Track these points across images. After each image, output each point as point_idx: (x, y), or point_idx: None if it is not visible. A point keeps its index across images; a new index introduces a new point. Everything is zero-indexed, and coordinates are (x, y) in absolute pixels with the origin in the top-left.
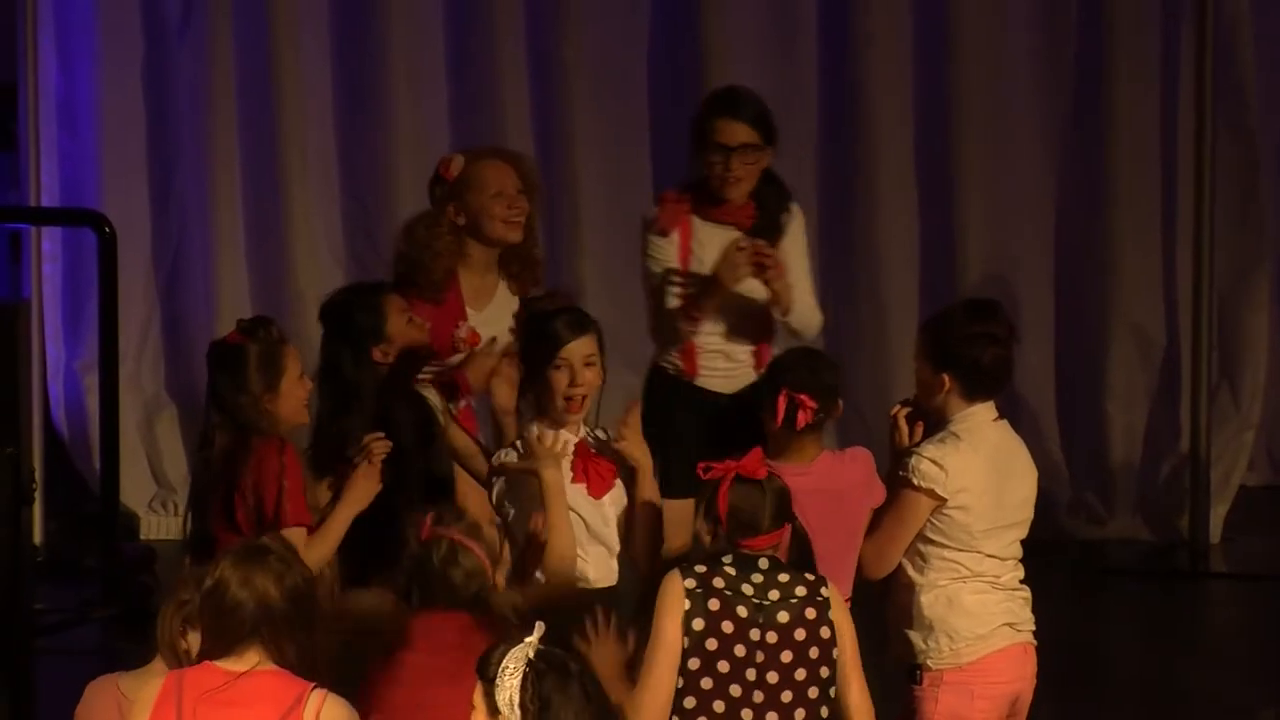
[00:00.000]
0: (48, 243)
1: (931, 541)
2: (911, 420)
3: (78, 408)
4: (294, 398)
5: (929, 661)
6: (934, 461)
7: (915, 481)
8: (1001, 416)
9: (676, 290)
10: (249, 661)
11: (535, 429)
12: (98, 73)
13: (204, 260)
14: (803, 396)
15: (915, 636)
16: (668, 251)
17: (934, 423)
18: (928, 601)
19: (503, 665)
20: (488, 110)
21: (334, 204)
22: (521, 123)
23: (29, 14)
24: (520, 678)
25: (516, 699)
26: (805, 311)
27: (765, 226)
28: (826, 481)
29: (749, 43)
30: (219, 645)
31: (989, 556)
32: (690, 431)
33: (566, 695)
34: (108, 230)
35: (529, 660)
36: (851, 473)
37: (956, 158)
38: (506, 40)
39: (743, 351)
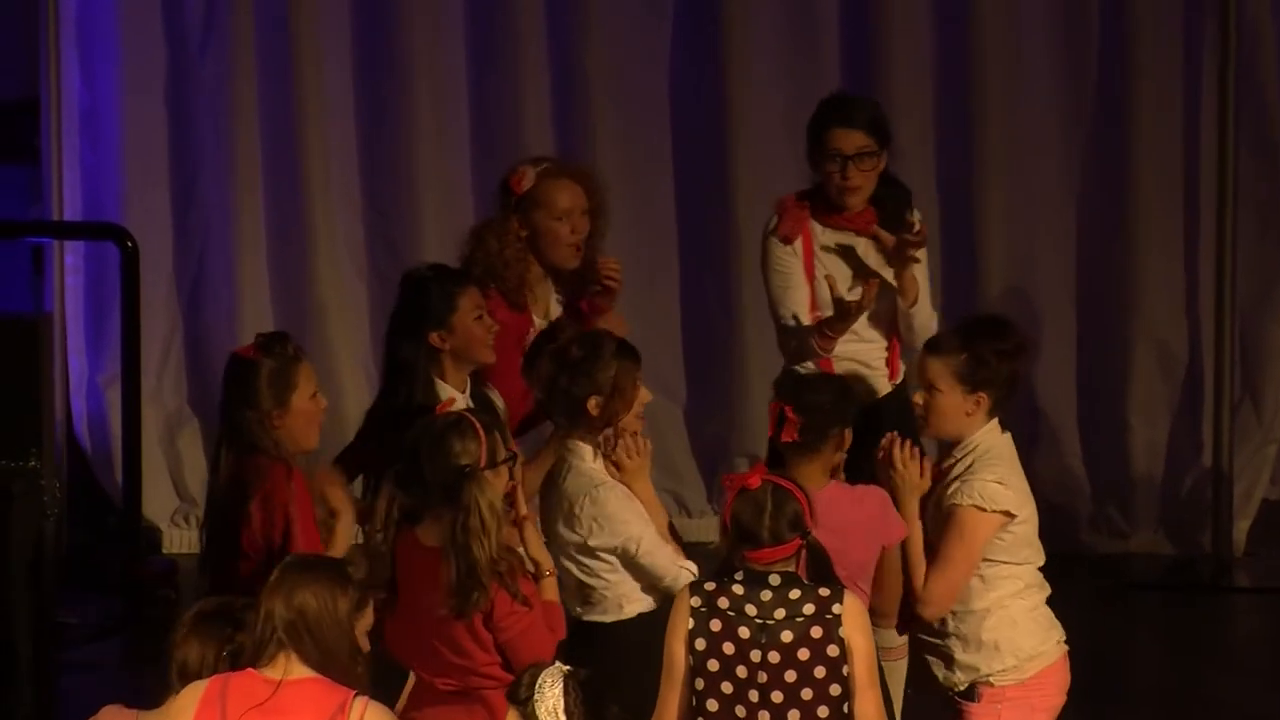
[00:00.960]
0: (70, 256)
1: (994, 561)
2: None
3: (100, 421)
4: (304, 416)
5: (992, 680)
6: (999, 483)
7: (989, 508)
8: (1011, 429)
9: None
10: (291, 670)
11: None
12: (120, 85)
13: (226, 273)
14: (787, 409)
15: (974, 658)
16: (791, 261)
17: (937, 448)
18: (992, 623)
19: (539, 681)
20: (510, 119)
21: (356, 215)
22: (543, 132)
23: (51, 27)
24: (561, 686)
25: (561, 705)
26: (926, 309)
27: (888, 230)
28: (827, 514)
29: (770, 46)
30: (258, 652)
31: (1029, 564)
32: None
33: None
34: (130, 244)
35: (565, 674)
36: (858, 511)
37: (978, 170)
38: (529, 47)
39: (877, 360)
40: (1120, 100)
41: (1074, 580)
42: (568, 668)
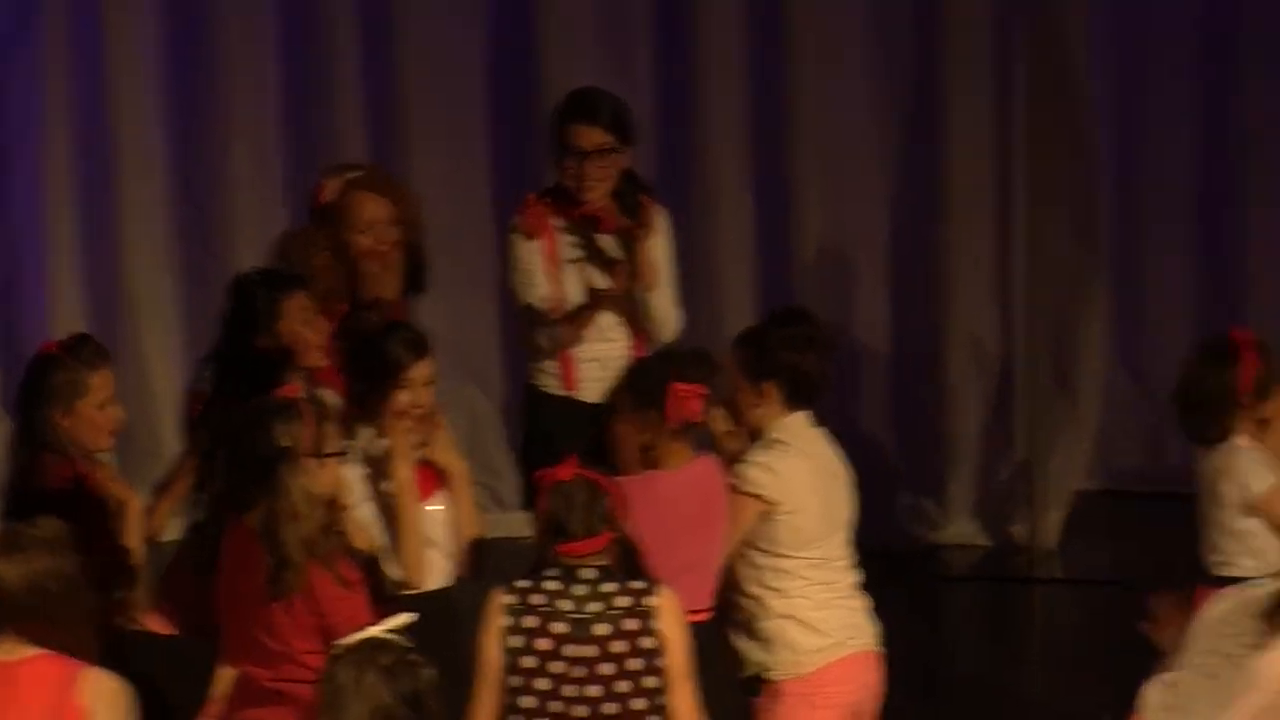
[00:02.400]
0: None
1: (768, 551)
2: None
3: None
4: (90, 423)
5: (770, 674)
6: (763, 467)
7: (741, 488)
8: (826, 424)
9: (552, 301)
10: (18, 650)
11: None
12: None
13: (37, 269)
14: (694, 388)
15: (755, 649)
16: (533, 257)
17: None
18: (768, 613)
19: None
20: (324, 118)
21: (169, 209)
22: (356, 124)
23: None
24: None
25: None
26: (666, 299)
27: (628, 227)
28: (701, 484)
29: (585, 47)
30: None
31: (824, 561)
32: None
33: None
34: None
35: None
36: (716, 477)
37: (792, 166)
38: (343, 46)
39: (619, 360)
40: (934, 98)
41: (889, 572)
42: (377, 633)
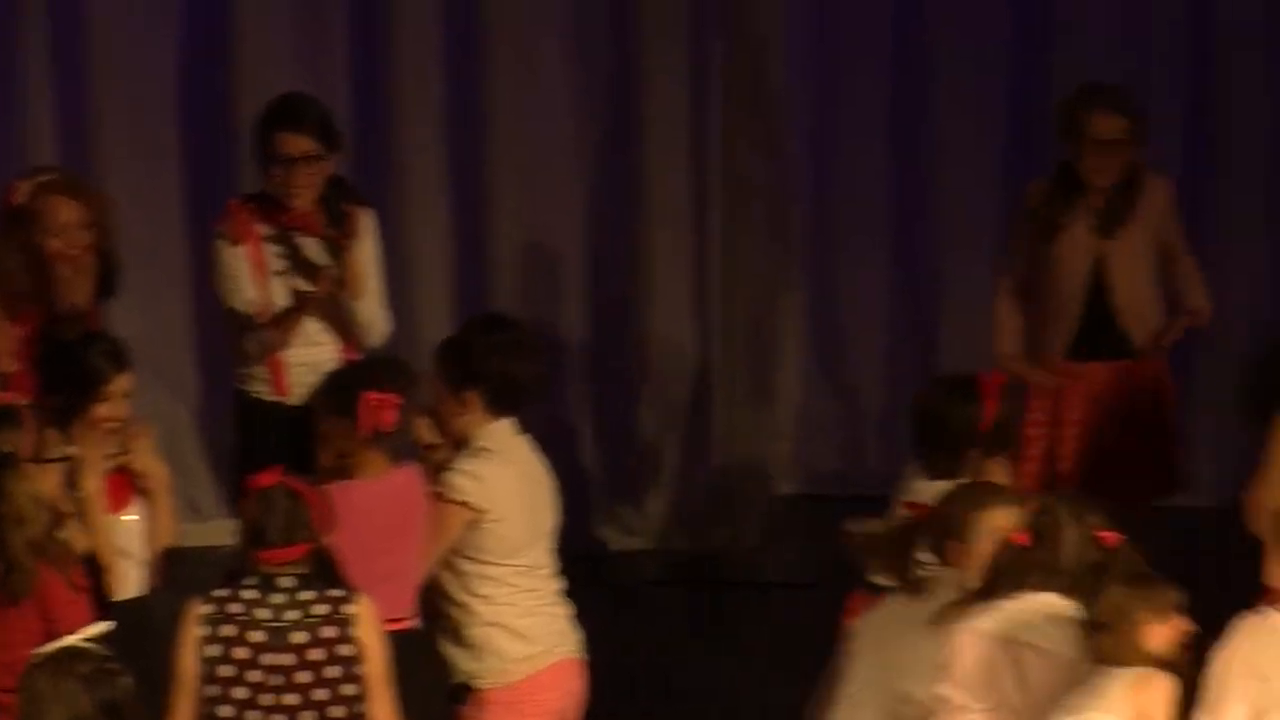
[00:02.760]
0: None
1: (474, 559)
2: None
3: None
4: None
5: (478, 682)
6: (469, 475)
7: (451, 496)
8: (527, 430)
9: (258, 306)
10: None
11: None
12: None
13: None
14: (388, 397)
15: (463, 657)
16: (238, 263)
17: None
18: (475, 620)
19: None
20: (16, 116)
21: None
22: (46, 129)
23: None
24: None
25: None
26: (372, 306)
27: (334, 233)
28: (399, 494)
29: (282, 48)
30: None
31: (530, 569)
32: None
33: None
34: None
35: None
36: (415, 487)
37: (490, 174)
38: (31, 49)
39: (327, 362)
40: (631, 107)
41: (589, 579)
42: (74, 642)
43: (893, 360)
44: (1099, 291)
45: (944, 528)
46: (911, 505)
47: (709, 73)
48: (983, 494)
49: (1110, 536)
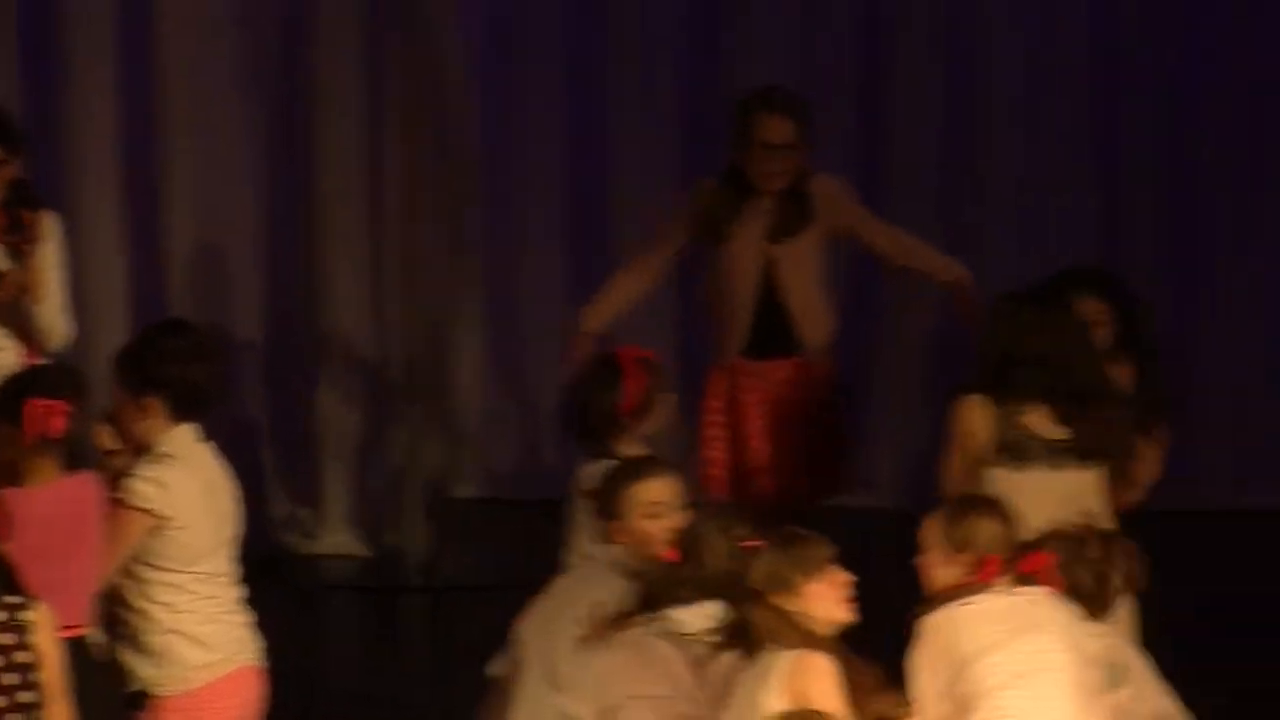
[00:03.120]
0: None
1: (155, 566)
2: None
3: None
4: None
5: (157, 689)
6: (151, 481)
7: (132, 503)
8: (207, 435)
9: None
10: None
11: None
12: None
13: None
14: (55, 403)
15: (143, 664)
16: None
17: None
18: (156, 628)
19: None
20: None
21: None
22: None
23: None
24: None
25: None
26: (52, 310)
27: (16, 238)
28: (71, 502)
29: (103, 51)
30: None
31: (211, 577)
32: None
33: None
34: None
35: None
36: (91, 494)
37: (164, 176)
38: None
39: (8, 367)
40: (307, 102)
41: (268, 584)
42: None
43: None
44: (771, 292)
45: (600, 508)
46: (586, 493)
47: (384, 73)
48: (633, 470)
49: (754, 545)
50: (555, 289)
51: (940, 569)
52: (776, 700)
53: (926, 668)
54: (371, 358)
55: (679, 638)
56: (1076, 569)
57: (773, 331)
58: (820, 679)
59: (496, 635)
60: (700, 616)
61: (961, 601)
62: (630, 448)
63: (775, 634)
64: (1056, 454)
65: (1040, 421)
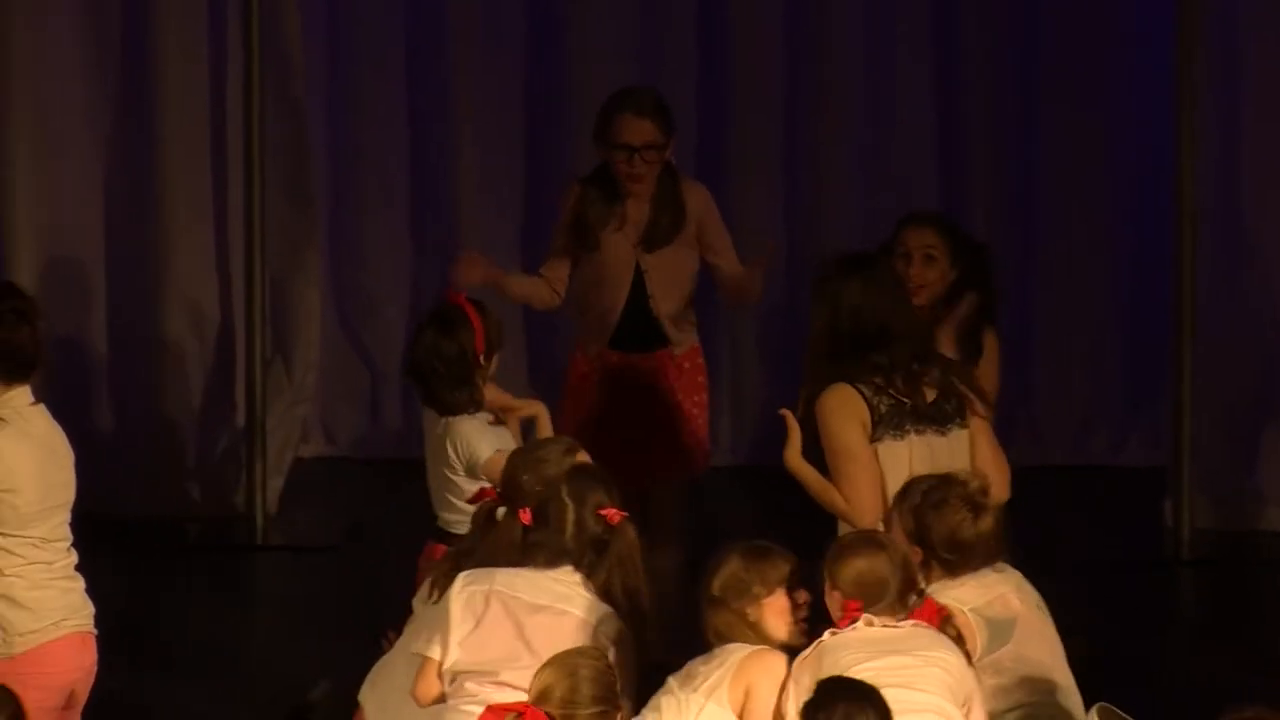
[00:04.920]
0: None
1: None
2: None
3: None
4: None
5: None
6: None
7: None
8: (38, 400)
9: None
10: None
11: None
12: None
13: None
14: None
15: None
16: None
17: None
18: None
19: None
20: None
21: None
22: None
23: None
24: None
25: None
26: None
27: None
28: None
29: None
30: None
31: (44, 542)
32: None
33: None
34: None
35: None
36: None
37: (4, 131)
38: None
39: None
40: (148, 59)
41: (111, 544)
42: None
43: (417, 321)
44: (641, 298)
45: (507, 495)
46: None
47: (226, 29)
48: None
49: (613, 513)
50: (398, 248)
51: (828, 601)
52: (724, 688)
53: (795, 695)
54: (214, 317)
55: (520, 599)
56: (950, 510)
57: (641, 332)
58: (771, 675)
59: (338, 594)
60: (552, 580)
61: (830, 631)
62: (488, 392)
63: (731, 635)
64: (924, 417)
65: (901, 388)
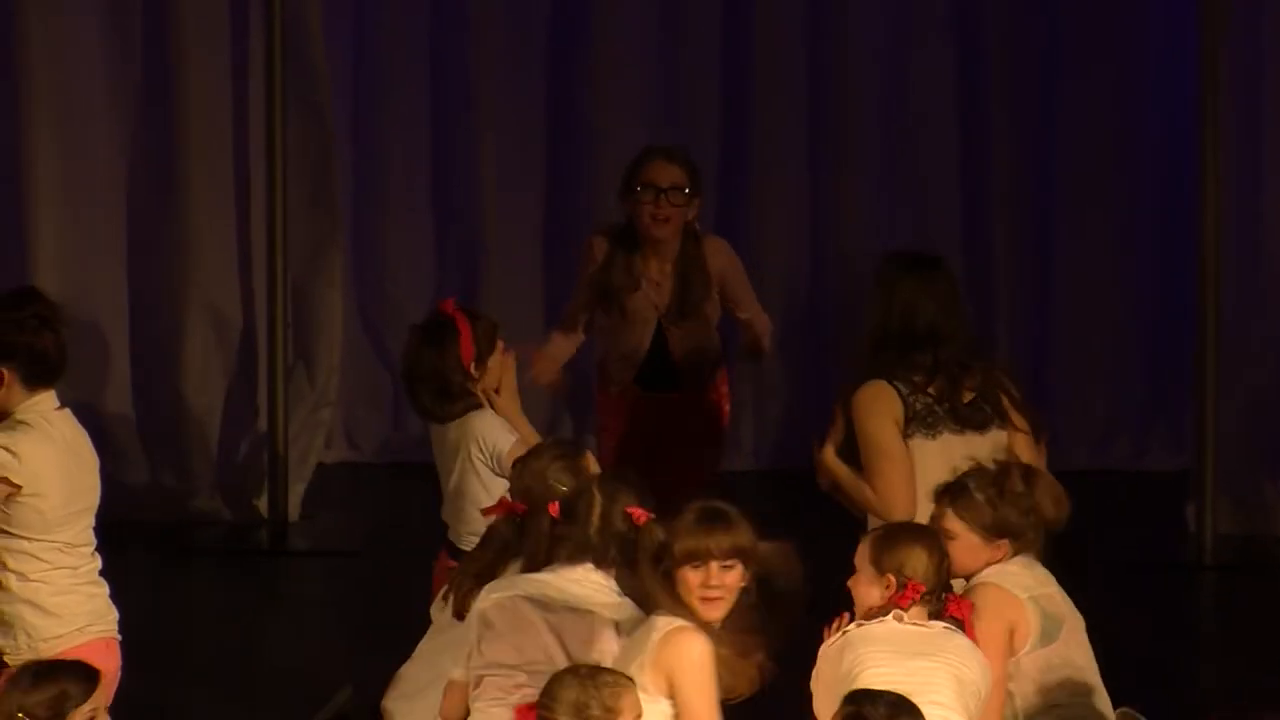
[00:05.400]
0: None
1: (9, 534)
2: None
3: None
4: None
5: (7, 658)
6: (5, 449)
7: None
8: (63, 405)
9: None
10: None
11: None
12: None
13: None
14: None
15: None
16: None
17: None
18: (8, 597)
19: None
20: None
21: None
22: None
23: None
24: None
25: None
26: None
27: None
28: None
29: None
30: None
31: (68, 546)
32: None
33: None
34: None
35: None
36: None
37: (25, 138)
38: None
39: None
40: (169, 66)
41: (136, 550)
42: None
43: None
44: (663, 353)
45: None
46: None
47: (249, 32)
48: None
49: (639, 513)
50: (422, 253)
51: (865, 589)
52: (646, 672)
53: (822, 689)
54: (237, 322)
55: (545, 600)
56: (1002, 506)
57: (662, 375)
58: (691, 655)
59: (362, 598)
60: (573, 583)
61: (857, 623)
62: (506, 410)
63: (654, 600)
64: (960, 419)
65: (939, 388)
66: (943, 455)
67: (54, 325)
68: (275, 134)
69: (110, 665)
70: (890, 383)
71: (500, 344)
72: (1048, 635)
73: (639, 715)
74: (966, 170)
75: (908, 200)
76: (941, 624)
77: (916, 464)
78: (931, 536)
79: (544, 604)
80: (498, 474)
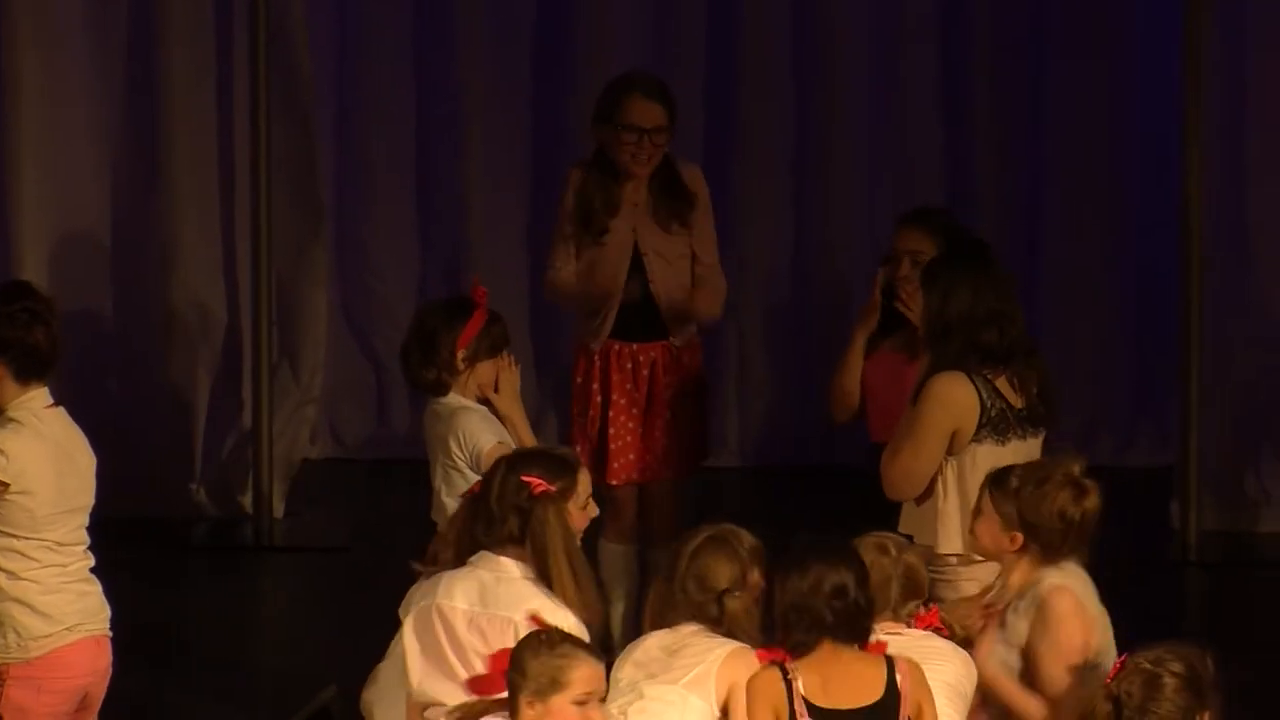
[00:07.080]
0: None
1: (2, 533)
2: None
3: None
4: None
5: None
6: None
7: None
8: (58, 403)
9: None
10: None
11: None
12: None
13: None
14: None
15: None
16: None
17: None
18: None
19: None
20: None
21: None
22: None
23: None
24: None
25: None
26: None
27: None
28: None
29: None
30: None
31: (59, 545)
32: None
33: None
34: None
35: None
36: None
37: (6, 139)
38: None
39: None
40: (154, 67)
41: (118, 546)
42: None
43: None
44: (640, 280)
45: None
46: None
47: (232, 30)
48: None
49: (536, 482)
50: (406, 250)
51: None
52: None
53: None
54: (222, 319)
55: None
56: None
57: (641, 319)
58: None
59: (347, 595)
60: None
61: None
62: (466, 393)
63: (694, 613)
64: (1023, 422)
65: (1006, 388)
66: (1006, 461)
67: (46, 319)
68: (260, 132)
69: (101, 664)
70: (971, 379)
71: (507, 358)
72: (1103, 631)
73: (595, 690)
74: (951, 168)
75: (893, 198)
76: (920, 631)
77: (980, 467)
78: (880, 550)
79: (455, 613)
80: (476, 472)
